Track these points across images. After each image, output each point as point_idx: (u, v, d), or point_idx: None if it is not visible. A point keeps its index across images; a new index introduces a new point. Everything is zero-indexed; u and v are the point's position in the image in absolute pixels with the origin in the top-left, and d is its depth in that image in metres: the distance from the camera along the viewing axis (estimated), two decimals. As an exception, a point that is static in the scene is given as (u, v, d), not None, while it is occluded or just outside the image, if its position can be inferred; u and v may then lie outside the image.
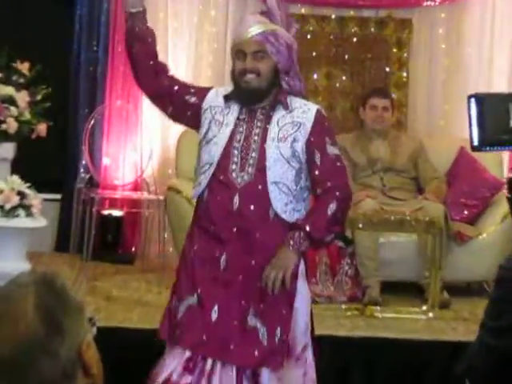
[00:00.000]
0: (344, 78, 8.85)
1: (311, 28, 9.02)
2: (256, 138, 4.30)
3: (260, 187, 4.28)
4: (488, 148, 3.80)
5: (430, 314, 7.04)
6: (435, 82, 9.08)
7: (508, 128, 4.07)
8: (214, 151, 4.32)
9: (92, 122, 8.39)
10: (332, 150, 4.41)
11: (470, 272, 7.73)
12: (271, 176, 4.28)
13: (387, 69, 8.97)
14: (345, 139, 7.76)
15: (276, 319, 4.31)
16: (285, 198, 4.32)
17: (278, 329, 4.32)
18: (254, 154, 4.30)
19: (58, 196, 8.60)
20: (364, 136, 7.91)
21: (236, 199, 4.29)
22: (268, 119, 4.34)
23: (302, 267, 4.44)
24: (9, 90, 7.37)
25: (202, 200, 4.46)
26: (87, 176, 8.35)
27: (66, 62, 8.67)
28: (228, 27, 8.72)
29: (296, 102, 4.41)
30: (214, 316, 4.25)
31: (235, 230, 4.34)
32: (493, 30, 8.82)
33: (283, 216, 4.32)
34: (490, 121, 3.97)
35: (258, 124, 4.34)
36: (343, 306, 7.14)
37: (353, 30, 8.85)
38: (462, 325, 6.88)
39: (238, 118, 4.36)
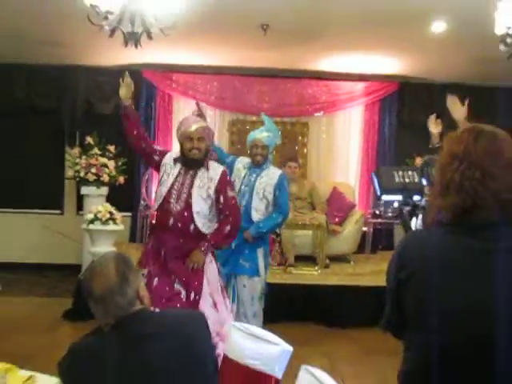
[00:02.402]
0: (274, 154, 8.27)
1: (249, 127, 8.36)
2: (186, 185, 4.02)
3: (186, 214, 3.98)
4: (385, 196, 4.00)
5: (319, 271, 6.97)
6: (321, 152, 8.76)
7: (394, 184, 4.35)
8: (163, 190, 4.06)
9: (147, 176, 8.09)
10: (230, 194, 4.13)
11: (338, 249, 7.57)
12: (195, 207, 4.00)
13: (296, 147, 8.68)
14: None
15: (192, 287, 3.99)
16: (202, 219, 4.01)
17: (193, 293, 3.99)
18: (184, 195, 4.00)
19: (130, 214, 8.18)
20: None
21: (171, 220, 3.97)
22: (195, 175, 4.05)
23: (210, 255, 4.10)
24: (104, 160, 7.42)
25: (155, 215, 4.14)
26: (145, 203, 7.99)
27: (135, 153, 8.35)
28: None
29: (212, 165, 4.14)
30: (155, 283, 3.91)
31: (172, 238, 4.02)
32: (349, 129, 8.72)
33: (202, 230, 4.01)
34: (384, 181, 4.23)
35: (188, 177, 4.04)
36: (275, 268, 6.85)
37: (279, 127, 7.95)
38: (336, 276, 6.81)
39: (179, 173, 4.06)
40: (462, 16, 5.59)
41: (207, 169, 4.07)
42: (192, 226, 3.98)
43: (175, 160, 4.12)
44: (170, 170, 4.10)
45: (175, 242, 3.98)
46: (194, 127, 4.05)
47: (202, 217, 4.01)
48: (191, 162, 4.05)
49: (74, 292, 6.23)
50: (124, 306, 2.12)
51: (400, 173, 6.08)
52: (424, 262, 1.79)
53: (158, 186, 4.15)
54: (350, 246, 7.82)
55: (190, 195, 3.98)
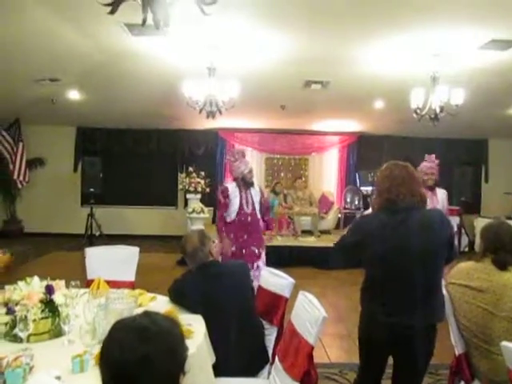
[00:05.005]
0: (289, 175, 8.27)
1: (275, 161, 8.30)
2: (249, 197, 3.64)
3: (253, 212, 3.64)
4: (363, 187, 3.84)
5: (315, 239, 6.68)
6: (315, 174, 8.34)
7: (368, 181, 4.09)
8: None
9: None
10: (267, 198, 3.97)
11: (325, 227, 7.27)
12: (256, 207, 3.68)
13: (301, 171, 8.31)
14: (289, 191, 7.46)
15: (260, 248, 3.70)
16: (259, 212, 3.70)
17: (261, 249, 3.70)
18: (250, 204, 3.66)
19: (211, 208, 7.37)
20: (295, 189, 7.40)
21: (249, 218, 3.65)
22: (250, 191, 3.66)
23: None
24: (198, 180, 7.12)
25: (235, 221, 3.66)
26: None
27: (214, 175, 7.91)
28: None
29: (256, 187, 3.77)
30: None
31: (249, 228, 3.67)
32: (331, 162, 8.34)
33: (259, 217, 3.71)
34: (363, 178, 3.92)
35: (248, 193, 3.64)
36: (290, 237, 6.65)
37: (291, 161, 8.39)
38: (323, 241, 6.39)
39: (240, 193, 3.65)
40: (392, 98, 5.57)
41: (253, 187, 3.79)
42: (257, 217, 3.73)
43: (235, 188, 3.74)
44: (235, 193, 3.71)
45: (252, 228, 3.71)
46: (250, 167, 3.76)
47: (259, 211, 3.76)
48: (250, 184, 3.75)
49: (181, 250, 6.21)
50: (202, 258, 2.07)
51: (371, 175, 6.31)
52: (369, 230, 1.81)
53: (230, 204, 3.71)
54: (332, 225, 7.61)
55: (253, 202, 3.70)
